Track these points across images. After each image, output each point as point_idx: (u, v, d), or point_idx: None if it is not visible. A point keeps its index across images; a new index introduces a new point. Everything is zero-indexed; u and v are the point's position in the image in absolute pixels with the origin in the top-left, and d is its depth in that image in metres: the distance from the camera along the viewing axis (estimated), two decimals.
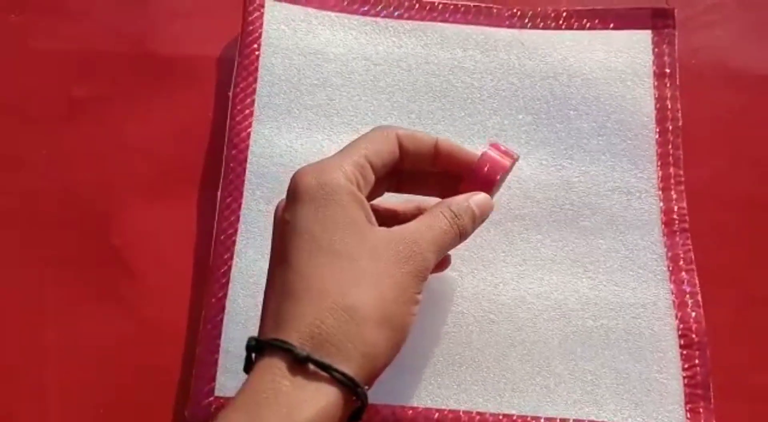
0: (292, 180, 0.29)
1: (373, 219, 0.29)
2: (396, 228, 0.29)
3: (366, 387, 0.26)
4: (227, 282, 0.38)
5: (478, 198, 0.32)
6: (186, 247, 0.40)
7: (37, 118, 0.43)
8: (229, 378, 0.36)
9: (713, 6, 0.46)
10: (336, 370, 0.25)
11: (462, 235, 0.31)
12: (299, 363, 0.25)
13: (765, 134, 0.43)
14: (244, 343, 0.27)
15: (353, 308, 0.26)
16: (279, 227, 0.29)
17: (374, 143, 0.31)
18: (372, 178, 0.30)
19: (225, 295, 0.37)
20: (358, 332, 0.26)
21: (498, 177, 0.33)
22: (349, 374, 0.25)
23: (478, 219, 0.32)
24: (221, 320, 0.37)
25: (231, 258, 0.38)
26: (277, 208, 0.30)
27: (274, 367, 0.25)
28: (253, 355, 0.27)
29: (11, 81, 0.44)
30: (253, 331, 0.31)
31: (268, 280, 0.29)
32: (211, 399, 0.36)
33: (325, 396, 0.25)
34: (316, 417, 0.25)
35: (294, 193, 0.29)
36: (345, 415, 0.26)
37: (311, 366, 0.25)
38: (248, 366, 0.27)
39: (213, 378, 0.36)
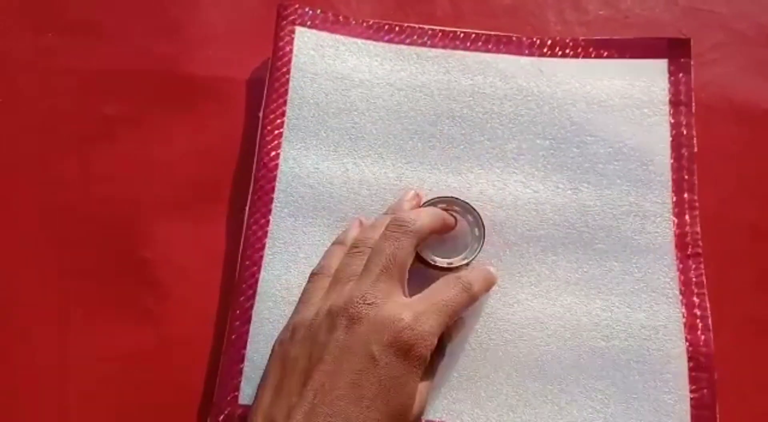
0: (397, 327, 0.33)
1: None
2: (422, 387, 0.34)
3: None
4: (254, 295, 0.40)
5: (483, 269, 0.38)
6: (212, 263, 0.41)
7: (69, 135, 0.44)
8: (253, 387, 0.38)
9: (719, 44, 0.47)
10: None
11: (472, 301, 0.36)
12: None
13: None
14: (268, 354, 0.30)
15: None
16: (366, 362, 0.32)
17: (458, 310, 0.36)
18: None
19: (251, 307, 0.39)
20: None
21: None
22: None
23: (488, 284, 0.38)
24: (247, 331, 0.39)
25: (258, 271, 0.40)
26: (356, 316, 0.33)
27: None
28: None
29: (45, 98, 0.45)
30: None
31: (316, 383, 0.32)
32: (235, 407, 0.38)
33: None
34: None
35: (393, 343, 0.32)
36: None
37: None
38: None
39: (237, 387, 0.38)
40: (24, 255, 0.42)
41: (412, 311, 0.33)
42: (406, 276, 0.36)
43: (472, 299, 0.36)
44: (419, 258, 0.38)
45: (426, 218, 0.37)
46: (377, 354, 0.32)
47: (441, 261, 0.39)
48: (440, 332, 0.34)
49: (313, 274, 0.38)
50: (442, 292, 0.35)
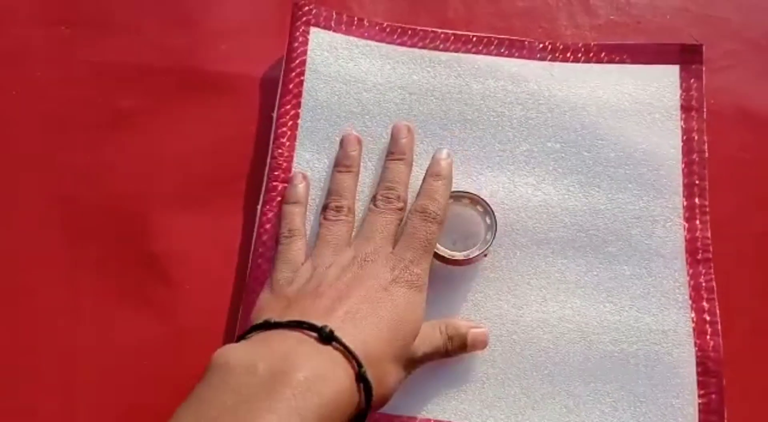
0: (409, 268, 0.37)
1: None
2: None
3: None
4: None
5: (476, 331, 0.38)
6: (224, 258, 0.42)
7: (82, 127, 0.45)
8: None
9: (731, 51, 0.47)
10: (351, 352, 0.31)
11: (447, 355, 0.38)
12: (326, 340, 0.31)
13: None
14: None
15: (386, 374, 0.34)
16: (376, 277, 0.36)
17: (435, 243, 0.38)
18: None
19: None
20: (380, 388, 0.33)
21: None
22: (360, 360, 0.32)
23: (468, 349, 0.38)
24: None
25: (270, 269, 0.40)
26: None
27: (306, 338, 0.32)
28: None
29: (59, 90, 0.46)
30: None
31: (335, 282, 0.36)
32: None
33: (343, 368, 0.31)
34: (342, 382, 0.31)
35: (399, 278, 0.36)
36: (354, 400, 0.31)
37: (335, 344, 0.31)
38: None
39: None
40: (35, 247, 0.42)
41: (414, 261, 0.37)
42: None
43: (440, 227, 0.38)
44: (438, 258, 0.39)
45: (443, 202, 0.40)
46: (387, 277, 0.36)
47: (458, 255, 0.39)
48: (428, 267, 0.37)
49: (284, 237, 0.40)
50: (426, 232, 0.38)
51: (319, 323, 0.32)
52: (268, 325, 0.33)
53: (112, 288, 0.41)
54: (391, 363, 0.34)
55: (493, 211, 0.40)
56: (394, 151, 0.42)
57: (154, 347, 0.40)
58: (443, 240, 0.40)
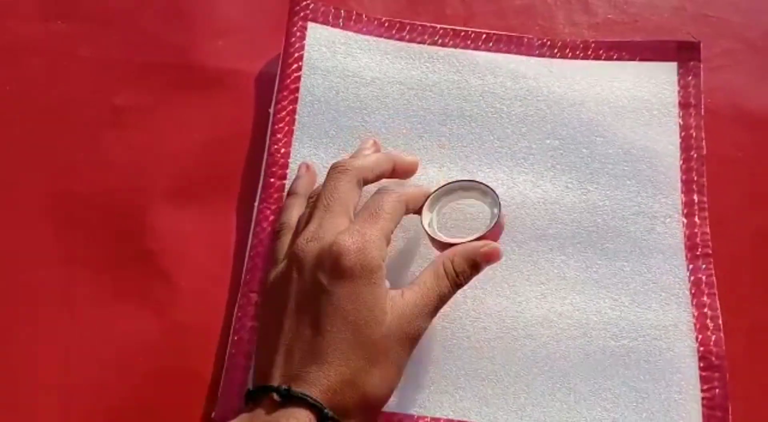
0: (334, 249, 0.33)
1: (387, 284, 0.34)
2: (403, 301, 0.34)
3: None
4: (261, 290, 0.39)
5: (486, 249, 0.36)
6: (221, 254, 0.41)
7: (79, 123, 0.44)
8: None
9: (728, 50, 0.47)
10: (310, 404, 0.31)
11: (460, 287, 0.36)
12: (324, 420, 0.31)
13: None
14: None
15: (363, 385, 0.32)
16: (314, 292, 0.33)
17: (396, 215, 0.36)
18: (391, 238, 0.35)
19: (259, 303, 0.39)
20: (363, 399, 0.32)
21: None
22: None
23: (482, 267, 0.36)
24: (254, 325, 0.39)
25: (267, 267, 0.40)
26: (302, 256, 0.34)
27: (304, 418, 0.31)
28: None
29: (56, 86, 0.45)
30: None
31: (293, 325, 0.33)
32: (242, 401, 0.37)
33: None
34: None
35: (336, 267, 0.33)
36: None
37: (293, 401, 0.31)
38: (254, 400, 0.33)
39: (244, 383, 0.38)
40: (31, 243, 0.41)
41: (349, 232, 0.34)
42: (351, 211, 0.36)
43: (405, 203, 0.36)
44: (439, 245, 0.38)
45: (366, 160, 0.38)
46: (324, 281, 0.33)
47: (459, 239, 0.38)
48: (386, 235, 0.35)
49: (276, 232, 0.39)
50: (373, 205, 0.36)
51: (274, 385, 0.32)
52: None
53: (108, 285, 0.40)
54: (369, 370, 0.32)
55: (500, 203, 0.38)
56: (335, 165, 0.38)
57: (151, 344, 0.39)
58: (443, 228, 0.39)
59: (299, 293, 0.34)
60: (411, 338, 0.33)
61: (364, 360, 0.32)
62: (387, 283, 0.34)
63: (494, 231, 0.37)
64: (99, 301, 0.40)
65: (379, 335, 0.32)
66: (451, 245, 0.37)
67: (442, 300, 0.35)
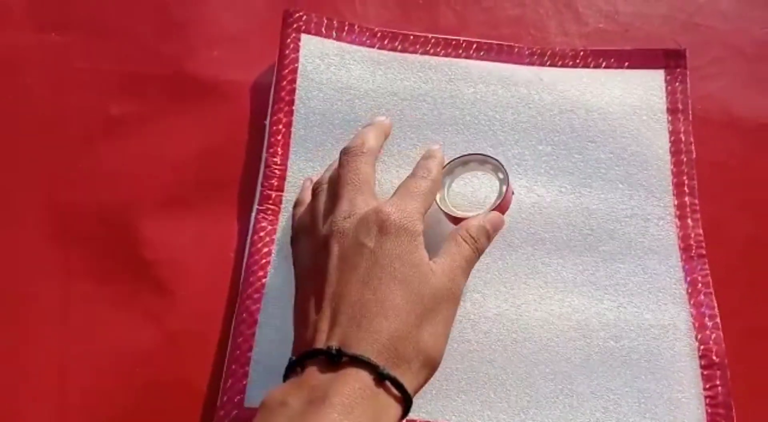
0: (378, 215, 0.34)
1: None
2: (440, 263, 0.34)
3: None
4: (260, 298, 0.39)
5: (491, 217, 0.37)
6: (218, 264, 0.41)
7: (74, 135, 0.44)
8: (259, 390, 0.37)
9: (718, 58, 0.49)
10: (406, 391, 0.30)
11: (481, 253, 0.37)
12: (381, 379, 0.30)
13: (766, 177, 0.46)
14: (275, 356, 0.32)
15: (417, 340, 0.32)
16: (360, 253, 0.33)
17: (430, 196, 0.37)
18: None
19: (258, 310, 0.39)
20: (417, 359, 0.32)
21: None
22: (411, 395, 0.31)
23: (492, 236, 0.37)
24: (253, 334, 0.38)
25: (265, 276, 0.40)
26: (343, 229, 0.34)
27: (361, 379, 0.30)
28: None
29: (51, 97, 0.45)
30: (286, 345, 0.34)
31: (338, 288, 0.33)
32: (241, 410, 0.37)
33: (395, 408, 0.30)
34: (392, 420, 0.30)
35: (382, 228, 0.34)
36: (401, 418, 0.31)
37: (388, 383, 0.30)
38: (295, 367, 0.31)
39: (243, 390, 0.37)
40: (28, 253, 0.41)
41: (390, 202, 0.35)
42: (374, 191, 0.37)
43: (435, 184, 0.37)
44: (452, 219, 0.39)
45: (371, 138, 0.39)
46: (370, 244, 0.33)
47: (465, 213, 0.39)
48: (421, 213, 0.35)
49: (291, 237, 0.39)
50: (410, 185, 0.36)
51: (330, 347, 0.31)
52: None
53: (105, 296, 0.40)
54: (421, 325, 0.32)
55: (503, 165, 0.39)
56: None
57: (149, 354, 0.39)
58: (455, 202, 0.40)
59: (342, 259, 0.33)
60: (454, 297, 0.34)
61: (415, 317, 0.32)
62: (426, 257, 0.34)
63: (503, 205, 0.38)
64: (96, 312, 0.40)
65: (427, 291, 0.32)
66: (464, 219, 0.38)
67: (469, 262, 0.35)
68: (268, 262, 0.40)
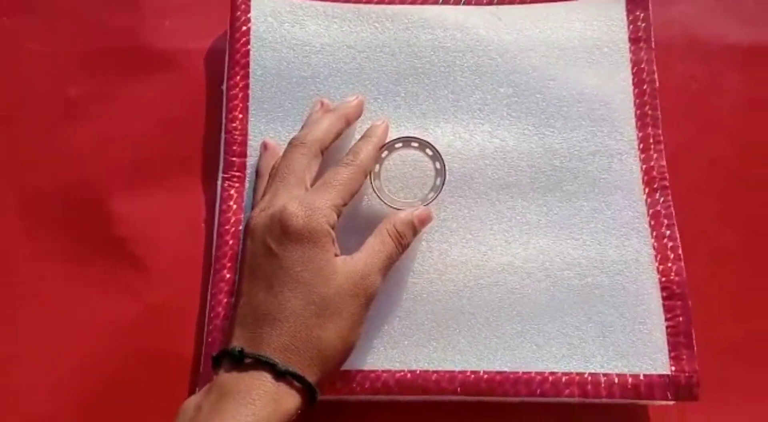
0: (282, 215, 0.35)
1: (337, 248, 0.36)
2: (353, 261, 0.35)
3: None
4: (233, 267, 0.40)
5: (419, 212, 0.38)
6: (189, 234, 0.42)
7: (34, 118, 0.45)
8: None
9: None
10: (306, 382, 0.33)
11: (405, 249, 0.38)
12: (281, 375, 0.32)
13: (731, 101, 0.45)
14: None
15: (318, 339, 0.34)
16: (265, 256, 0.35)
17: (351, 185, 0.37)
18: (342, 211, 0.36)
19: (232, 279, 0.40)
20: (320, 355, 0.34)
21: None
22: (313, 385, 0.33)
23: (419, 230, 0.38)
24: (229, 302, 0.39)
25: (237, 243, 0.41)
26: (254, 225, 0.36)
27: (262, 375, 0.32)
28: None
29: (7, 83, 0.45)
30: None
31: (244, 296, 0.35)
32: None
33: (294, 396, 0.33)
34: (293, 409, 0.33)
35: (285, 232, 0.34)
36: (305, 406, 0.34)
37: (289, 377, 0.32)
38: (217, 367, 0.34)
39: None
40: (0, 241, 0.42)
41: (298, 200, 0.35)
42: (308, 183, 0.37)
43: (364, 173, 0.38)
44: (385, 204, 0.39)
45: (318, 129, 0.39)
46: (273, 247, 0.34)
47: (404, 204, 0.40)
48: (336, 205, 0.36)
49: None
50: (329, 175, 0.37)
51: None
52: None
53: (81, 276, 0.41)
54: (324, 325, 0.34)
55: (442, 156, 0.40)
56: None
57: (130, 328, 0.40)
58: (390, 186, 0.40)
59: (252, 260, 0.35)
60: (365, 294, 0.35)
61: (317, 317, 0.33)
62: (337, 249, 0.35)
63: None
64: (74, 292, 0.41)
65: (331, 292, 0.34)
66: (396, 209, 0.39)
67: (391, 259, 0.36)
68: (238, 230, 0.41)
